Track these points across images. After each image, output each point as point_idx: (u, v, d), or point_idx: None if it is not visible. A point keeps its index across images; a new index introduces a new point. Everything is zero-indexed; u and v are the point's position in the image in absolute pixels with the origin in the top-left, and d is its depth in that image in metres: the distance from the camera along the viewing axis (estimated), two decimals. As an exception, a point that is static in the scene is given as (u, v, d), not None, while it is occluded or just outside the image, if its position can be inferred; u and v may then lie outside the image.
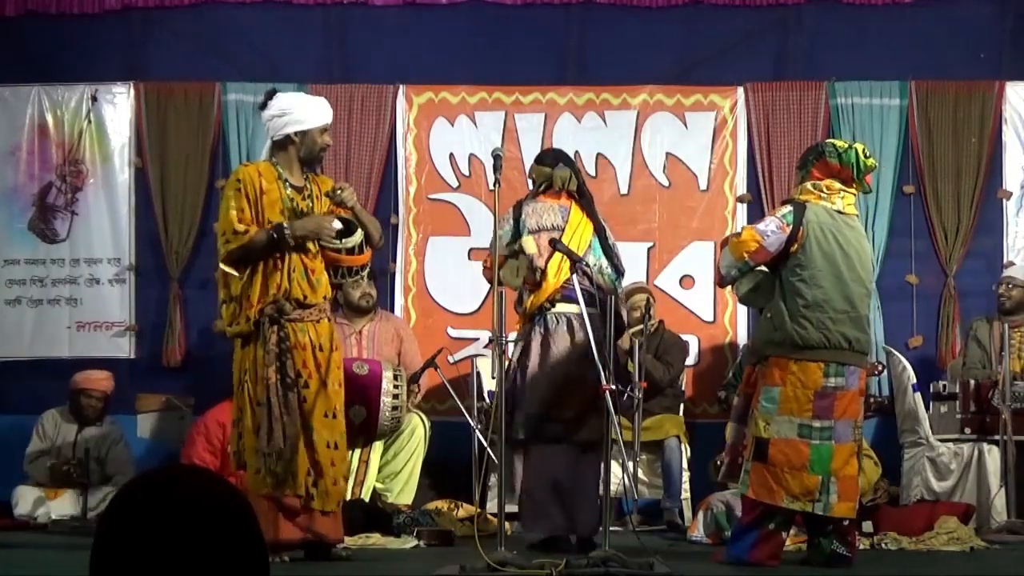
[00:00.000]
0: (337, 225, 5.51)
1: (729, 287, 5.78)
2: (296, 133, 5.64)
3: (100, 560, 1.68)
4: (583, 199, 6.45)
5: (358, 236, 5.57)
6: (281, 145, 5.67)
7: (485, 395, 7.45)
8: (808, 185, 5.60)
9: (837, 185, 5.60)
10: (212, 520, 1.69)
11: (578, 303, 6.02)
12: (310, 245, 5.55)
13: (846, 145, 5.67)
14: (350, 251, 5.58)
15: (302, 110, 5.68)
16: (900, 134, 8.63)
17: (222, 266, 5.55)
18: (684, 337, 8.28)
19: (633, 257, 8.60)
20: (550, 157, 6.60)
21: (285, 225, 5.44)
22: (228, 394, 7.12)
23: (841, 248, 5.53)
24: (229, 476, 6.57)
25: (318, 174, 5.85)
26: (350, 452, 6.49)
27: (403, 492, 7.38)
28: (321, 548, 5.61)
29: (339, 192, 5.54)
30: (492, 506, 6.84)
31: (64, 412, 8.08)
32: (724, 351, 8.58)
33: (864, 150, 5.64)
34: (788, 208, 5.55)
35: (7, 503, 7.88)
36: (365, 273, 5.91)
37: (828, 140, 6.00)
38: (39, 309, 8.75)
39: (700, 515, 6.85)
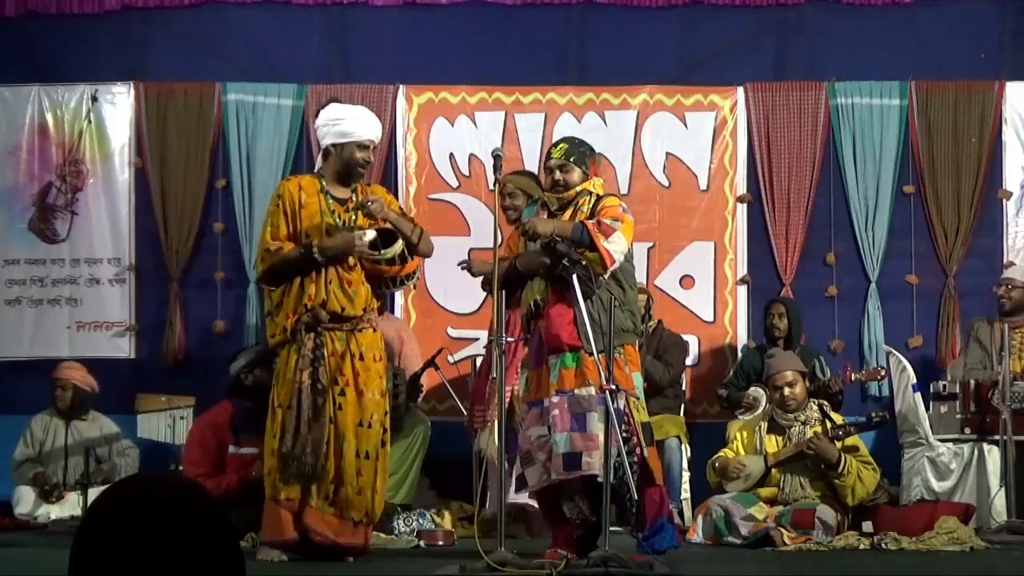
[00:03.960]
0: (368, 236, 5.49)
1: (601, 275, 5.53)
2: (334, 145, 5.69)
3: (77, 568, 1.69)
4: None
5: (398, 246, 5.58)
6: (325, 155, 5.76)
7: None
8: (598, 180, 5.64)
9: None
10: (186, 530, 1.70)
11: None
12: (349, 258, 5.60)
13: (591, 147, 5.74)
14: (390, 262, 5.60)
15: (345, 123, 5.72)
16: (900, 134, 8.63)
17: (260, 283, 5.71)
18: (684, 337, 8.27)
19: (633, 257, 8.60)
20: (532, 176, 6.72)
21: (314, 245, 5.49)
22: (227, 394, 7.14)
23: None
24: (225, 479, 6.58)
25: (368, 183, 5.88)
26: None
27: (403, 492, 7.37)
28: (331, 553, 5.62)
29: (368, 204, 5.55)
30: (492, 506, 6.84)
31: (51, 411, 8.11)
32: (724, 351, 8.57)
33: None
34: (621, 201, 5.59)
35: (7, 503, 7.88)
36: (412, 282, 5.97)
37: (578, 138, 5.98)
38: (39, 309, 8.75)
39: (699, 518, 6.85)
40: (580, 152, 5.60)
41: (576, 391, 5.35)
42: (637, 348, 5.58)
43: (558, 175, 5.58)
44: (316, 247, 5.49)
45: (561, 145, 5.68)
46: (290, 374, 5.50)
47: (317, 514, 5.54)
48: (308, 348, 5.50)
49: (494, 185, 5.47)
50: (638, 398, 5.44)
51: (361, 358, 5.61)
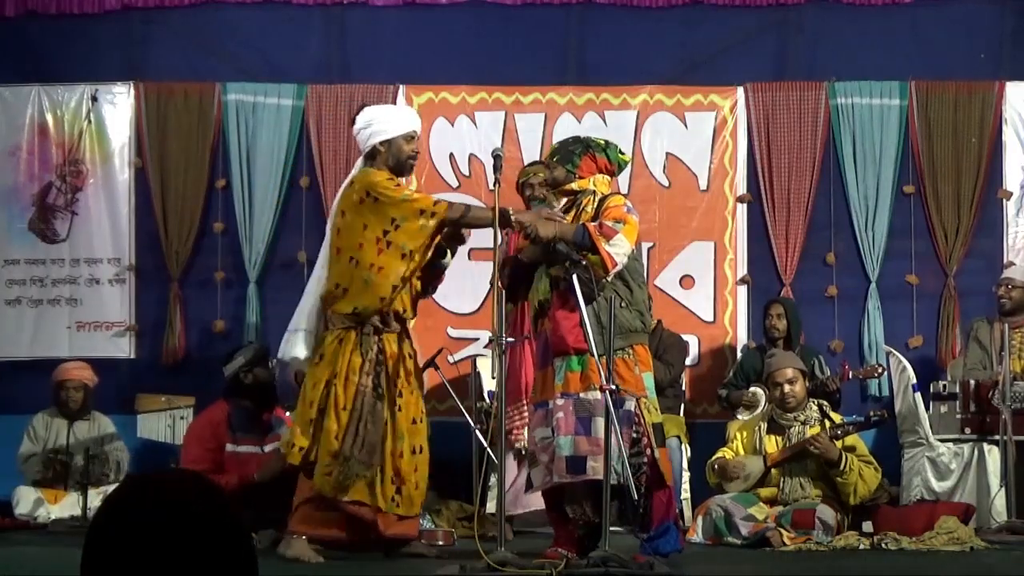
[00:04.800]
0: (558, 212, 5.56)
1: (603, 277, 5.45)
2: (381, 143, 5.74)
3: (90, 564, 1.69)
4: None
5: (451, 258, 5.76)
6: (371, 157, 5.78)
7: (485, 395, 7.45)
8: (601, 178, 5.59)
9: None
10: (200, 525, 1.70)
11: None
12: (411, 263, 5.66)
13: (603, 142, 5.68)
14: (443, 271, 5.79)
15: (386, 120, 5.79)
16: (900, 134, 8.63)
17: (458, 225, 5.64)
18: (684, 337, 8.27)
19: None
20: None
21: (511, 211, 5.50)
22: (223, 394, 7.14)
23: None
24: (224, 478, 6.59)
25: None
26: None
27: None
28: (394, 546, 5.79)
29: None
30: (492, 506, 6.84)
31: (53, 410, 8.12)
32: (724, 351, 8.57)
33: (619, 147, 5.72)
34: (627, 201, 5.54)
35: (7, 503, 7.89)
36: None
37: (579, 136, 5.92)
38: (39, 309, 8.75)
39: (699, 518, 6.85)
40: (567, 151, 5.58)
41: (581, 395, 5.34)
42: (647, 348, 5.56)
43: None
44: (512, 212, 5.48)
45: (555, 144, 5.75)
46: (354, 376, 5.56)
47: (387, 518, 5.68)
48: (374, 351, 5.58)
49: (494, 185, 5.48)
50: (649, 399, 5.42)
51: (411, 356, 5.78)
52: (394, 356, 5.65)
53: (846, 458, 6.70)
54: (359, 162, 5.89)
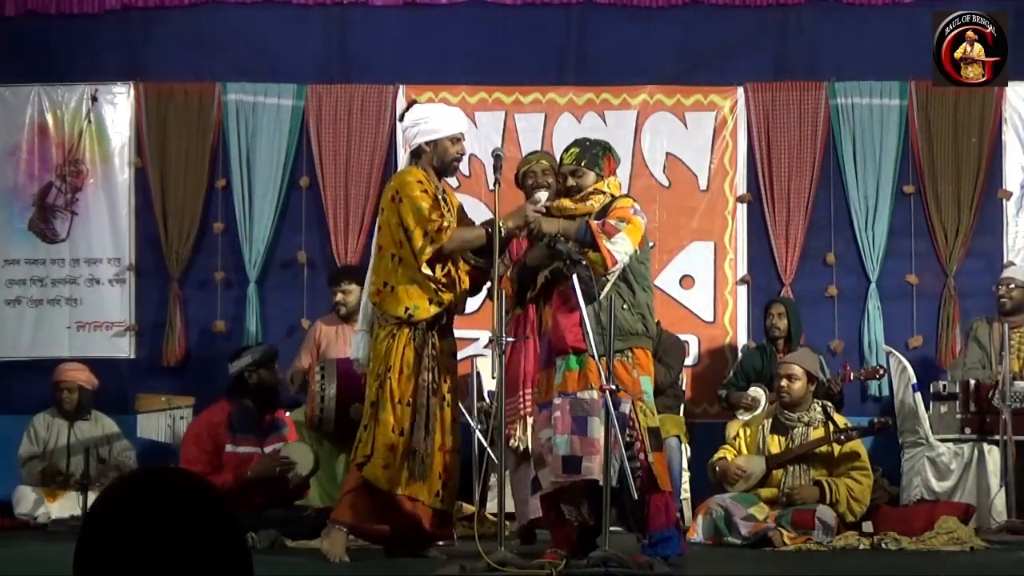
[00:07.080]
0: (542, 198, 5.54)
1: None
2: (427, 143, 5.75)
3: (83, 562, 1.69)
4: None
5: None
6: (416, 155, 5.80)
7: (485, 395, 7.45)
8: (614, 180, 5.61)
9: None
10: (192, 522, 1.70)
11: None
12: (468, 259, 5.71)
13: (606, 143, 5.71)
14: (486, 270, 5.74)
15: (433, 120, 5.81)
16: (900, 134, 8.63)
17: (472, 257, 5.66)
18: (684, 337, 8.27)
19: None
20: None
21: (501, 222, 5.46)
22: (226, 393, 7.14)
23: None
24: (220, 476, 6.60)
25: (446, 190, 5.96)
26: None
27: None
28: (425, 542, 5.81)
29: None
30: (492, 506, 6.84)
31: (53, 411, 8.12)
32: (724, 351, 8.58)
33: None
34: (635, 203, 5.53)
35: (7, 503, 7.89)
36: None
37: (589, 138, 5.87)
38: (39, 309, 8.75)
39: (699, 518, 6.84)
40: (592, 154, 5.56)
41: (578, 394, 5.33)
42: (648, 352, 5.53)
43: (571, 180, 5.57)
44: (501, 222, 5.42)
45: (572, 150, 5.63)
46: (408, 370, 5.58)
47: (432, 518, 5.70)
48: (429, 347, 5.60)
49: (494, 185, 5.48)
50: (645, 403, 5.40)
51: (453, 356, 5.82)
52: (443, 352, 5.69)
53: (830, 490, 6.68)
54: (405, 158, 5.93)
